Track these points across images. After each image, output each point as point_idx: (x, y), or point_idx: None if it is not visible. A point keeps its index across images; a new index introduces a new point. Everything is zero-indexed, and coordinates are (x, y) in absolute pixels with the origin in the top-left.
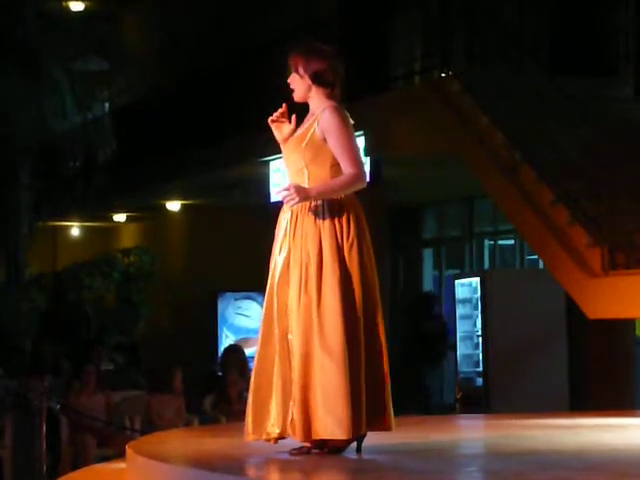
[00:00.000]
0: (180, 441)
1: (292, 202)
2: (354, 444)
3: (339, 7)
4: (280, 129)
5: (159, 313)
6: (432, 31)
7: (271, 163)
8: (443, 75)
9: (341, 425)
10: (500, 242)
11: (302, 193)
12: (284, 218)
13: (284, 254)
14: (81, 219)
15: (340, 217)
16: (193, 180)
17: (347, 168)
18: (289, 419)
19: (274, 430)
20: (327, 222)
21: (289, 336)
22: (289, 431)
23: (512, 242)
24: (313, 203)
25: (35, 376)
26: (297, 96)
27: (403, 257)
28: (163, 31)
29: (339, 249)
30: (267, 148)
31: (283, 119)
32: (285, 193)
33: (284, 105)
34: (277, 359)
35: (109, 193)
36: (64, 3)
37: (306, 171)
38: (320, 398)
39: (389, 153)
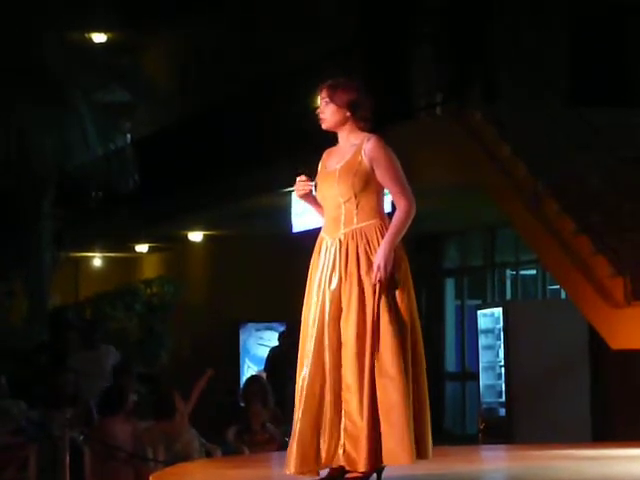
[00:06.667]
0: (204, 472)
1: (386, 274)
2: (374, 476)
3: (360, 38)
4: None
5: (181, 344)
6: (453, 61)
7: (293, 194)
8: (465, 105)
9: (405, 450)
10: (522, 272)
11: (388, 260)
12: (329, 249)
13: (334, 285)
14: (103, 250)
15: None
16: (215, 211)
17: (399, 200)
18: (341, 451)
19: (320, 465)
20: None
21: (342, 369)
22: (342, 462)
23: (534, 272)
24: (364, 232)
25: (56, 407)
26: (328, 125)
27: (425, 287)
28: (185, 62)
29: (394, 277)
30: (289, 179)
31: (308, 185)
32: (382, 280)
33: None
34: (328, 391)
35: (131, 224)
36: (86, 34)
37: (356, 201)
38: (384, 424)
39: (411, 183)
